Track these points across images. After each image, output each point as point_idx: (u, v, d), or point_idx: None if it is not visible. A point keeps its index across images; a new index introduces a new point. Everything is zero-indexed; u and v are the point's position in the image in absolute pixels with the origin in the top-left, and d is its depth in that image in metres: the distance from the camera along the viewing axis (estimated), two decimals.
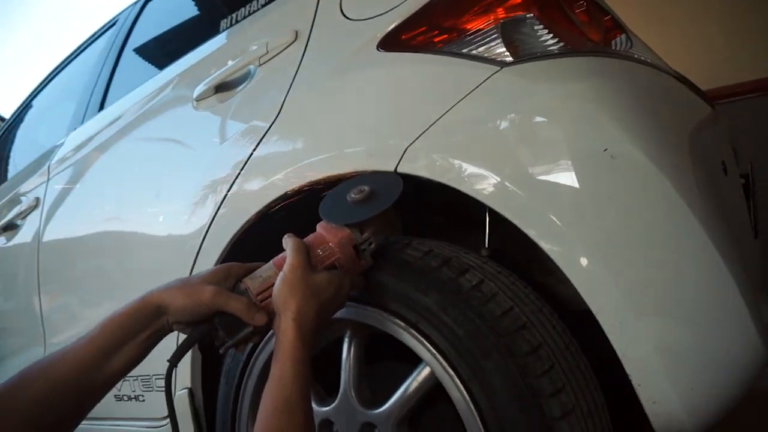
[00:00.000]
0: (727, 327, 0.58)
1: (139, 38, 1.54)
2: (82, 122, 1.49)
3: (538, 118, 0.64)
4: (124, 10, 1.67)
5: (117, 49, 1.56)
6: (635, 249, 0.59)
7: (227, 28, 1.16)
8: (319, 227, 0.69)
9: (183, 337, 0.66)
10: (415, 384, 0.69)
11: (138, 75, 1.44)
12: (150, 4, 1.57)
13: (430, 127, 0.69)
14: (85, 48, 1.80)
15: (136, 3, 1.62)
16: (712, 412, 0.57)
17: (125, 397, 1.11)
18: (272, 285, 0.63)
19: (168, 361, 0.64)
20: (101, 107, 1.47)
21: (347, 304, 0.71)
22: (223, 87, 1.02)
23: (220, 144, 0.97)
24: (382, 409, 0.71)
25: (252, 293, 0.64)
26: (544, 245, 0.61)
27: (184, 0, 1.51)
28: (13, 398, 0.56)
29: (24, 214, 1.45)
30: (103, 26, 1.75)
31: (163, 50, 1.48)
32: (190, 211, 0.98)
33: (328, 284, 0.63)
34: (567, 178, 0.61)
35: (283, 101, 0.88)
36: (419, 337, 0.66)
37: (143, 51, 1.53)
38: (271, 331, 0.65)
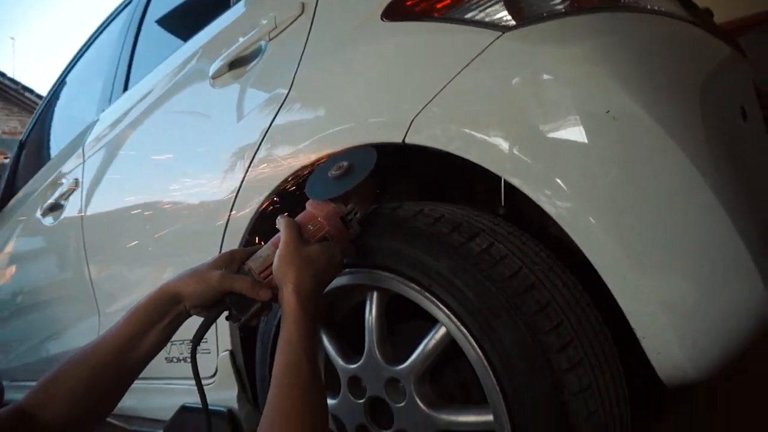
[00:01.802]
0: (730, 281, 0.59)
1: (154, 13, 1.57)
2: (110, 101, 1.55)
3: (539, 85, 0.64)
4: None
5: (135, 26, 1.60)
6: (639, 209, 0.60)
7: (237, 1, 1.17)
8: (308, 204, 0.75)
9: None
10: (432, 342, 0.73)
11: (157, 50, 1.48)
12: None
13: (433, 98, 0.70)
14: (109, 23, 1.84)
15: None
16: (715, 362, 0.59)
17: (174, 359, 1.20)
18: (271, 263, 0.70)
19: (190, 341, 0.71)
20: (126, 85, 1.52)
21: (370, 272, 0.76)
22: (236, 63, 1.05)
23: (237, 122, 1.00)
24: (404, 365, 0.76)
25: (255, 272, 0.71)
26: (551, 210, 0.63)
27: None
28: (62, 383, 0.64)
29: (66, 195, 1.54)
30: (122, 2, 1.77)
31: (179, 24, 1.50)
32: (216, 185, 1.03)
33: (320, 254, 0.70)
34: (570, 142, 0.63)
35: (293, 78, 0.90)
36: (433, 299, 0.70)
37: (159, 26, 1.55)
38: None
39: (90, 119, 1.62)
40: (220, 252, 1.00)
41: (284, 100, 0.90)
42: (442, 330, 0.72)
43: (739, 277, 0.60)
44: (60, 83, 2.11)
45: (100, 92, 1.63)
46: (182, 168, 1.14)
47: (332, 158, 0.79)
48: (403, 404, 0.77)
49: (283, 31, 0.97)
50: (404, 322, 0.85)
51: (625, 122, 0.61)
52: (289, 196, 0.89)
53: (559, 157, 0.63)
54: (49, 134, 2.12)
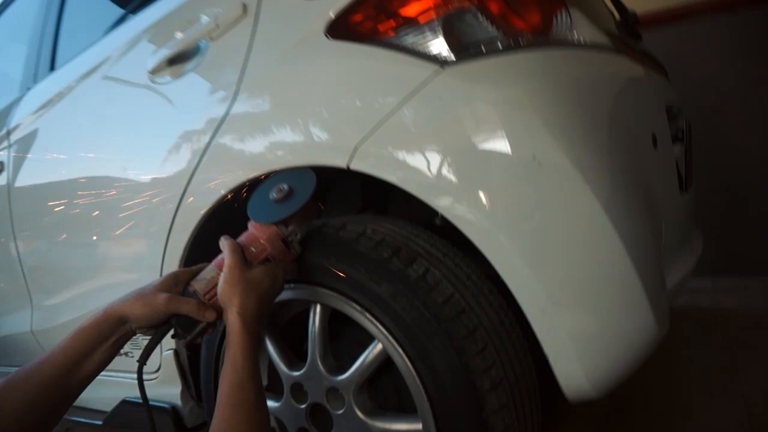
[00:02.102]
0: (628, 317, 0.68)
1: None
2: (35, 77, 1.46)
3: (475, 125, 0.68)
4: None
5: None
6: (556, 250, 0.67)
7: None
8: (250, 226, 0.77)
9: None
10: (370, 357, 0.79)
11: (87, 18, 1.40)
12: None
13: (376, 128, 0.73)
14: None
15: None
16: (611, 383, 0.69)
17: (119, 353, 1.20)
18: (216, 284, 0.72)
19: (137, 361, 0.74)
20: (53, 61, 1.43)
21: (313, 289, 0.80)
22: (175, 60, 1.02)
23: (180, 127, 0.98)
24: (344, 376, 0.81)
25: (200, 294, 0.74)
26: (482, 249, 0.68)
27: None
28: (7, 402, 0.65)
29: None
30: None
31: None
32: (157, 193, 1.02)
33: (264, 277, 0.73)
34: (499, 184, 0.68)
35: (238, 89, 0.89)
36: (373, 320, 0.75)
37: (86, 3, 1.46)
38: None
39: (10, 91, 1.53)
40: (163, 253, 1.01)
41: (228, 112, 0.90)
42: (379, 347, 0.77)
43: (635, 314, 0.68)
44: None
45: (24, 65, 1.53)
46: (121, 165, 1.11)
47: (272, 179, 0.81)
48: (341, 411, 0.82)
49: (225, 32, 0.95)
50: (345, 324, 0.89)
51: (547, 168, 0.66)
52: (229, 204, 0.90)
53: (491, 200, 0.68)
54: None
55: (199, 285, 0.75)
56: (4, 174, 1.42)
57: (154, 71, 1.04)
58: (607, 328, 0.67)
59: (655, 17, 2.48)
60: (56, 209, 1.31)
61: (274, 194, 0.77)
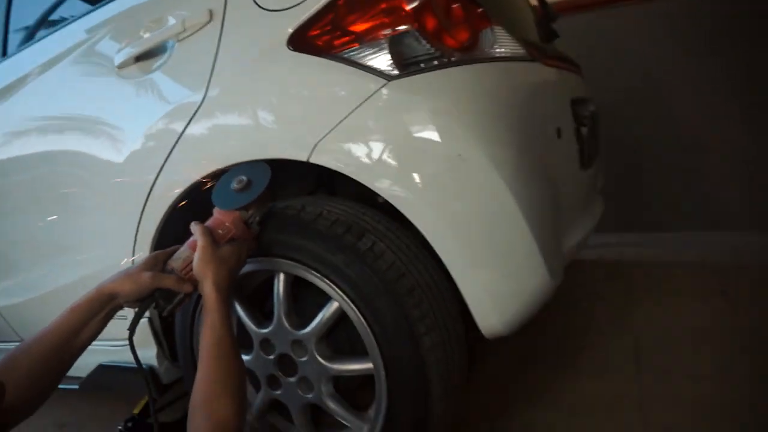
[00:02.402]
0: (528, 273, 0.89)
1: None
2: None
3: (414, 130, 0.86)
4: None
5: None
6: (473, 223, 0.87)
7: None
8: (215, 212, 0.92)
9: None
10: (328, 314, 0.97)
11: (40, 15, 1.44)
12: None
13: (332, 130, 0.89)
14: None
15: None
16: (517, 323, 0.91)
17: None
18: (191, 262, 0.88)
19: (128, 329, 0.89)
20: (4, 49, 1.46)
21: (279, 261, 0.97)
22: (142, 57, 1.12)
23: (148, 123, 1.09)
24: (306, 330, 0.99)
25: (177, 271, 0.89)
26: (416, 223, 0.87)
27: None
28: (8, 375, 0.77)
29: None
30: None
31: None
32: (126, 176, 1.13)
33: (231, 253, 0.89)
34: (432, 176, 0.86)
35: (206, 90, 1.01)
36: (330, 284, 0.93)
37: None
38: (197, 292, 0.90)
39: None
40: (135, 237, 1.13)
41: (196, 111, 1.02)
42: (335, 305, 0.96)
43: (533, 271, 0.90)
44: None
45: None
46: (88, 152, 1.20)
47: (231, 172, 0.95)
48: (305, 358, 1.01)
49: (191, 35, 1.06)
50: (303, 289, 1.06)
51: (468, 162, 0.85)
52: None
53: (426, 188, 0.86)
54: None
55: (176, 263, 0.90)
56: None
57: (122, 66, 1.14)
58: (511, 281, 0.89)
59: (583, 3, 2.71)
60: (18, 190, 1.39)
61: (235, 185, 0.92)
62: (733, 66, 2.52)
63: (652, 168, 2.78)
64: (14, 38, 1.49)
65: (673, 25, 2.60)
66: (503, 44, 1.03)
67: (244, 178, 0.92)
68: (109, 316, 0.90)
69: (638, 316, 1.77)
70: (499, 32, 1.02)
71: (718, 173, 2.65)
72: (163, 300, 0.90)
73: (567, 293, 2.09)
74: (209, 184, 1.03)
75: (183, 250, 0.91)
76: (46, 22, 1.41)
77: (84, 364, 1.34)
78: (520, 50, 1.06)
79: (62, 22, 1.33)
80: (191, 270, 0.88)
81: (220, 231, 0.90)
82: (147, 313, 1.19)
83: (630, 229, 2.86)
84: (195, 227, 0.90)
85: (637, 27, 2.67)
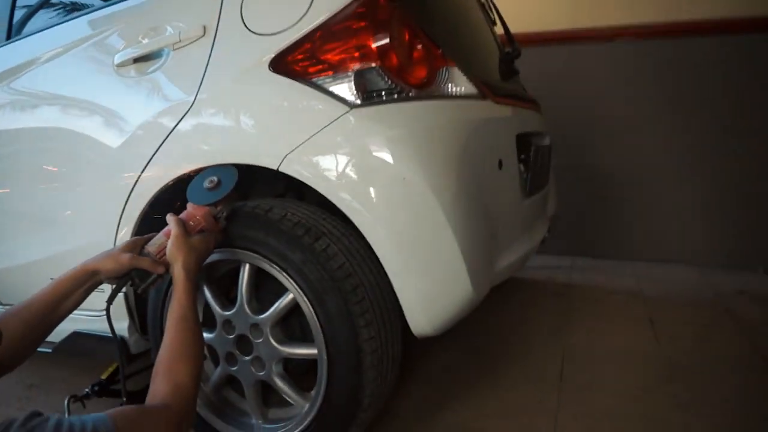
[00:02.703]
0: (454, 283, 1.05)
1: None
2: None
3: (368, 152, 1.01)
4: None
5: None
6: (411, 237, 1.03)
7: None
8: (189, 206, 1.06)
9: None
10: (283, 303, 1.11)
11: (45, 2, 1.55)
12: None
13: (300, 145, 1.04)
14: None
15: None
16: (442, 326, 1.07)
17: None
18: (165, 248, 1.01)
19: (106, 302, 1.02)
20: (9, 33, 1.57)
21: (245, 253, 1.11)
22: (140, 59, 1.25)
23: (141, 119, 1.22)
24: (264, 316, 1.13)
25: (152, 254, 1.03)
26: (365, 233, 1.03)
27: None
28: (6, 327, 0.89)
29: None
30: None
31: None
32: (116, 161, 1.26)
33: (200, 242, 1.03)
34: (380, 193, 1.02)
35: (196, 92, 1.15)
36: (287, 277, 1.07)
37: None
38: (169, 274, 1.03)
39: None
40: (119, 219, 1.26)
41: (187, 111, 1.16)
42: (290, 296, 1.10)
43: (459, 282, 1.05)
44: None
45: None
46: (84, 133, 1.33)
47: (204, 173, 1.09)
48: (261, 340, 1.15)
49: (186, 45, 1.20)
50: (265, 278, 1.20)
51: (411, 185, 1.01)
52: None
53: (374, 203, 1.02)
54: None
55: (152, 248, 1.03)
56: None
57: (120, 65, 1.27)
58: (439, 289, 1.05)
59: (554, 36, 2.91)
60: (14, 162, 1.50)
61: (206, 184, 1.06)
62: (689, 107, 2.75)
63: (608, 198, 2.99)
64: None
65: (637, 62, 2.82)
66: (456, 83, 1.19)
67: (215, 178, 1.06)
68: (91, 290, 1.03)
69: (570, 334, 1.95)
70: (454, 72, 1.19)
71: (669, 208, 2.87)
72: (138, 279, 1.03)
73: (510, 306, 2.28)
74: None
75: (159, 237, 1.05)
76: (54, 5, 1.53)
77: (59, 330, 1.46)
78: (472, 89, 1.22)
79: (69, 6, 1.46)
80: (165, 254, 1.01)
81: (191, 223, 1.04)
82: (124, 290, 1.33)
83: (582, 254, 3.07)
84: (170, 218, 1.03)
85: (600, 63, 2.88)
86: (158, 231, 1.06)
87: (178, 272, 0.98)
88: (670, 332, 1.94)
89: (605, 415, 1.39)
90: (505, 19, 2.07)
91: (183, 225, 1.02)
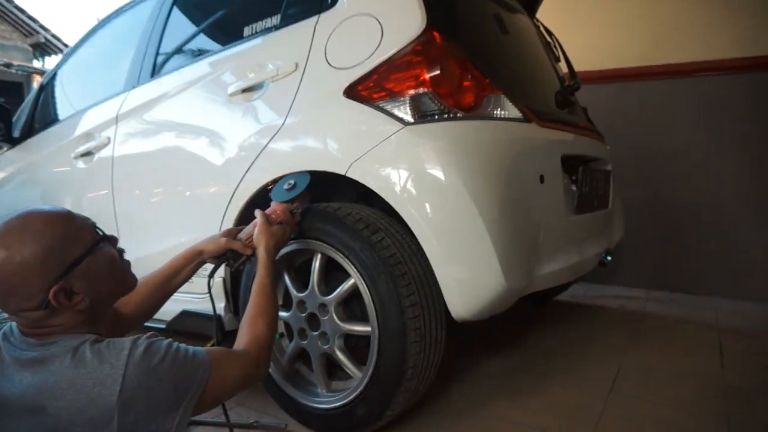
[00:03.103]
0: (488, 274, 1.22)
1: (178, 16, 2.03)
2: (138, 80, 2.02)
3: (419, 160, 1.23)
4: None
5: (165, 13, 2.04)
6: (450, 233, 1.22)
7: (249, 36, 1.68)
8: (272, 203, 1.32)
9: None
10: (346, 286, 1.34)
11: (180, 46, 1.96)
12: None
13: (363, 155, 1.28)
14: (133, 7, 2.27)
15: None
16: (477, 312, 1.23)
17: None
18: (252, 234, 1.26)
19: (208, 276, 1.29)
20: (153, 69, 1.99)
21: (318, 243, 1.35)
22: (247, 90, 1.58)
23: (245, 135, 1.54)
24: (330, 297, 1.36)
25: (243, 240, 1.29)
26: (412, 227, 1.24)
27: None
28: (137, 293, 1.17)
29: (98, 148, 2.03)
30: None
31: (199, 31, 1.99)
32: (225, 173, 1.58)
33: (279, 231, 1.27)
34: (429, 192, 1.23)
35: (286, 115, 1.45)
36: (350, 263, 1.30)
37: (183, 28, 2.02)
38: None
39: (116, 89, 2.09)
40: (222, 219, 1.57)
41: (278, 131, 1.45)
42: (352, 281, 1.32)
43: (492, 272, 1.22)
44: (84, 41, 2.53)
45: (129, 68, 2.09)
46: (199, 153, 1.67)
47: (285, 177, 1.36)
48: (326, 318, 1.38)
49: (282, 78, 1.51)
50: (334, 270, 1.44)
51: (453, 188, 1.21)
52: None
53: (420, 202, 1.23)
54: (67, 86, 2.55)
55: (243, 234, 1.30)
56: (110, 146, 1.99)
57: (232, 94, 1.60)
58: (474, 278, 1.22)
59: (628, 72, 2.99)
60: (145, 176, 1.89)
61: (285, 186, 1.32)
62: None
63: (688, 232, 2.94)
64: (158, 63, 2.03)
65: (714, 97, 2.81)
66: (502, 107, 1.39)
67: (293, 181, 1.32)
68: (197, 267, 1.30)
69: (632, 353, 1.98)
70: (500, 98, 1.39)
71: (751, 245, 2.78)
72: (232, 259, 1.30)
73: (575, 327, 2.34)
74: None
75: (248, 227, 1.32)
76: (183, 52, 1.93)
77: (171, 310, 1.79)
78: (516, 113, 1.41)
79: (197, 53, 1.85)
80: (252, 240, 1.28)
81: (273, 216, 1.30)
82: (222, 275, 1.63)
83: (659, 287, 3.02)
84: (257, 212, 1.29)
85: (675, 98, 2.90)
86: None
87: (261, 253, 1.22)
88: (738, 360, 1.91)
89: (648, 421, 1.45)
90: (580, 58, 2.24)
91: (266, 217, 1.28)
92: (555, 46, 2.20)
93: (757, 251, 2.78)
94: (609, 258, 2.12)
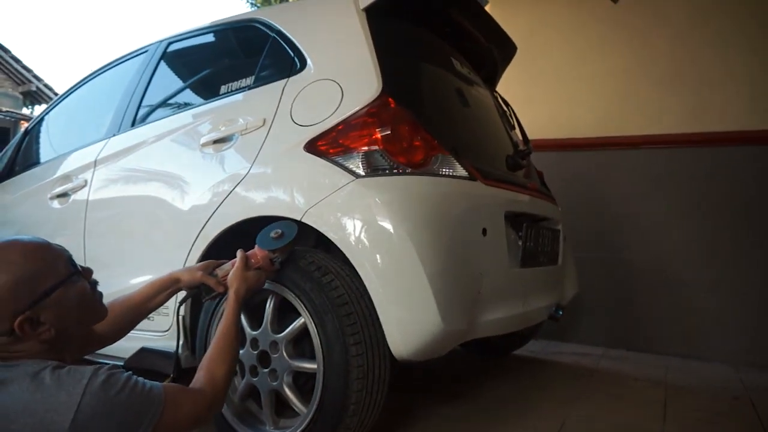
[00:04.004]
0: (426, 316, 1.32)
1: (162, 73, 2.19)
2: (119, 128, 2.15)
3: (367, 211, 1.36)
4: (152, 44, 2.30)
5: (147, 77, 2.20)
6: (394, 279, 1.32)
7: (225, 93, 1.84)
8: (256, 248, 1.40)
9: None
10: (297, 324, 1.42)
11: (161, 100, 2.11)
12: (171, 46, 2.21)
13: (317, 203, 1.41)
14: (121, 63, 2.43)
15: (161, 41, 2.25)
16: (418, 351, 1.32)
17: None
18: (228, 273, 1.35)
19: (176, 303, 1.37)
20: (134, 121, 2.13)
21: (273, 286, 1.45)
22: (219, 141, 1.71)
23: (212, 181, 1.66)
24: (281, 335, 1.44)
25: (218, 277, 1.37)
26: (358, 269, 1.34)
27: (200, 53, 2.18)
28: (111, 314, 1.24)
29: (75, 190, 2.13)
30: (135, 51, 2.37)
31: (181, 87, 2.15)
32: (192, 215, 1.69)
33: (254, 277, 1.35)
34: (374, 238, 1.34)
35: (251, 165, 1.58)
36: (301, 303, 1.39)
37: (165, 84, 2.18)
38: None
39: (97, 136, 2.22)
40: (188, 254, 1.66)
41: (243, 178, 1.58)
42: (302, 320, 1.41)
43: (430, 314, 1.32)
44: (72, 90, 2.67)
45: (111, 118, 2.21)
46: (169, 197, 1.78)
47: (274, 224, 1.44)
48: (277, 355, 1.45)
49: (250, 132, 1.65)
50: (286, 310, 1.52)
51: (398, 239, 1.33)
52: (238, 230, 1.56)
53: (366, 247, 1.34)
54: (51, 131, 2.68)
55: (220, 271, 1.39)
56: (86, 189, 2.09)
57: (204, 144, 1.73)
58: (413, 318, 1.32)
59: (584, 142, 3.22)
60: (119, 216, 1.98)
61: (272, 234, 1.40)
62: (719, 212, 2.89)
63: (644, 292, 3.08)
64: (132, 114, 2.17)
65: (667, 168, 3.03)
66: (448, 166, 1.53)
67: (280, 230, 1.40)
68: (172, 294, 1.38)
69: (578, 406, 2.05)
70: (447, 158, 1.53)
71: (707, 305, 2.92)
72: (205, 292, 1.39)
73: (527, 379, 2.41)
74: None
75: (227, 265, 1.40)
76: (163, 104, 2.08)
77: (130, 347, 1.83)
78: (462, 171, 1.56)
79: (176, 106, 1.99)
80: (226, 279, 1.35)
81: (252, 260, 1.38)
82: (183, 313, 1.69)
83: (616, 346, 3.12)
84: (239, 252, 1.37)
85: (630, 166, 3.12)
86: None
87: (231, 296, 1.29)
88: (680, 415, 1.99)
89: None
90: (540, 127, 2.44)
91: (246, 260, 1.35)
92: (510, 116, 2.40)
93: (707, 312, 2.91)
94: (560, 312, 2.23)
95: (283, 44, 1.75)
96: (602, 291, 3.13)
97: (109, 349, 1.93)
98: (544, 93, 3.39)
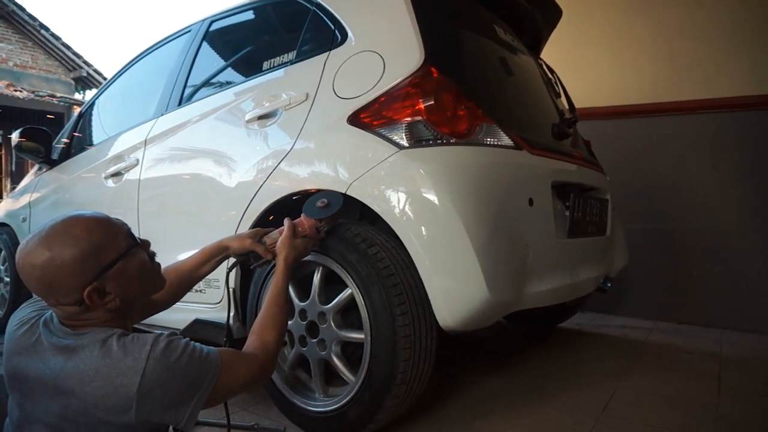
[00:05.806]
0: (472, 286, 1.31)
1: (206, 51, 2.23)
2: (167, 108, 2.21)
3: (411, 181, 1.35)
4: (194, 23, 2.33)
5: (195, 49, 2.24)
6: (439, 248, 1.32)
7: (268, 69, 1.85)
8: (302, 216, 1.42)
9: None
10: (344, 296, 1.44)
11: (206, 78, 2.15)
12: (213, 25, 2.24)
13: (361, 176, 1.41)
14: (165, 44, 2.48)
15: (204, 20, 2.28)
16: (465, 321, 1.32)
17: (194, 290, 1.89)
18: (276, 241, 1.38)
19: (227, 269, 1.41)
20: (180, 101, 2.18)
21: (319, 258, 1.47)
22: (263, 117, 1.73)
23: (259, 155, 1.69)
24: (329, 306, 1.47)
25: (266, 244, 1.40)
26: (404, 241, 1.35)
27: (242, 30, 2.19)
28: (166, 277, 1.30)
29: (128, 169, 2.21)
30: (179, 31, 2.41)
31: (224, 65, 2.18)
32: (241, 187, 1.72)
33: (301, 245, 1.38)
34: (419, 210, 1.34)
35: (295, 140, 1.59)
36: (347, 274, 1.41)
37: (209, 62, 2.22)
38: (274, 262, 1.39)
39: (146, 116, 2.28)
40: (236, 230, 1.70)
41: (288, 153, 1.60)
42: (349, 291, 1.43)
43: (475, 284, 1.31)
44: (120, 74, 2.76)
45: (159, 98, 2.28)
46: (216, 174, 1.83)
47: (321, 193, 1.46)
48: (325, 325, 1.48)
49: (293, 107, 1.66)
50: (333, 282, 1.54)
51: (443, 208, 1.32)
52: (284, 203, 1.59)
53: (411, 218, 1.34)
54: (103, 114, 2.78)
55: (268, 239, 1.42)
56: (138, 167, 2.17)
57: (249, 121, 1.76)
58: (459, 289, 1.32)
59: (633, 109, 3.10)
60: (169, 194, 2.05)
61: (318, 203, 1.42)
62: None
63: (695, 264, 2.97)
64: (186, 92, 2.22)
65: (717, 134, 2.88)
66: (493, 135, 1.51)
67: (326, 200, 1.42)
68: (222, 261, 1.40)
69: (628, 378, 2.02)
70: (492, 127, 1.51)
71: (754, 276, 2.80)
72: (253, 258, 1.42)
73: (576, 352, 2.38)
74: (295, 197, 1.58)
75: (275, 233, 1.42)
76: (208, 83, 2.11)
77: (185, 319, 1.91)
78: (507, 140, 1.53)
79: (220, 84, 2.02)
80: (275, 246, 1.38)
81: (299, 229, 1.40)
82: (233, 285, 1.75)
83: (666, 318, 3.03)
84: (286, 221, 1.39)
85: (680, 134, 2.98)
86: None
87: (279, 262, 1.32)
88: (735, 389, 1.93)
89: None
90: (586, 95, 2.35)
91: (293, 228, 1.38)
92: (556, 83, 2.33)
93: (763, 283, 2.79)
94: (609, 284, 2.18)
95: (324, 17, 1.74)
96: (653, 262, 3.03)
97: (166, 321, 2.04)
98: (588, 59, 3.27)
